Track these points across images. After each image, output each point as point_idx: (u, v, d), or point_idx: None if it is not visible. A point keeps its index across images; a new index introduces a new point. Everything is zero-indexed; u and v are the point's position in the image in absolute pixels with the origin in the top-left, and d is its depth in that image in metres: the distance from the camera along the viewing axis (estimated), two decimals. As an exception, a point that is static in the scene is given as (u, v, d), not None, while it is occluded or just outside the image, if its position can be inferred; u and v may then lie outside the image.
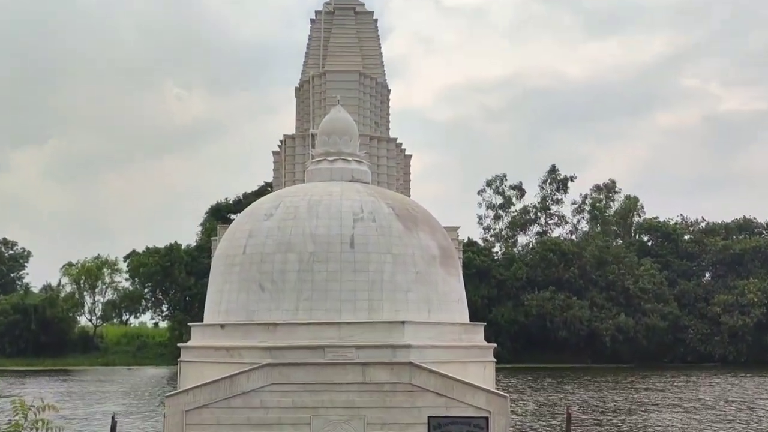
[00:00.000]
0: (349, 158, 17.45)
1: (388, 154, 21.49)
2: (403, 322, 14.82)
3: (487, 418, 14.17)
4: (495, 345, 16.40)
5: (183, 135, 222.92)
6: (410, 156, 22.66)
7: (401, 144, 22.19)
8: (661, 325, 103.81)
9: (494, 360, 15.85)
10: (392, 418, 14.11)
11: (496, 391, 14.49)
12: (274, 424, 13.98)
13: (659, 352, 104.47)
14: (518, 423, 46.86)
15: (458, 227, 21.21)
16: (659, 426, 45.55)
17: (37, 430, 12.79)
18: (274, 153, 22.88)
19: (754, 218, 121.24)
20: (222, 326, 15.45)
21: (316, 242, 15.39)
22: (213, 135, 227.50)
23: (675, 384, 73.94)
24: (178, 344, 16.79)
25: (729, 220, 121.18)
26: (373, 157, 20.77)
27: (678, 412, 52.75)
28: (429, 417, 14.08)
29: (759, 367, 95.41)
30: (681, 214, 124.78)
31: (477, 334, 16.20)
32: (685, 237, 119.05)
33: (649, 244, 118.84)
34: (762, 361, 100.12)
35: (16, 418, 13.39)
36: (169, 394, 14.13)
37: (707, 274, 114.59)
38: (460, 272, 17.15)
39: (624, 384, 74.24)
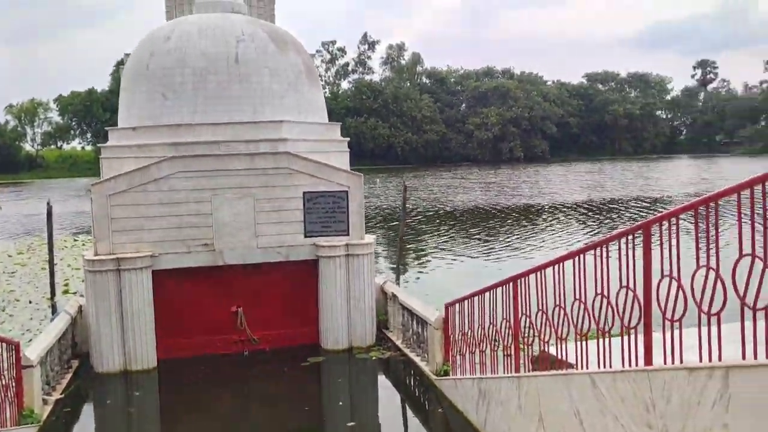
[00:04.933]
0: (230, -6, 14.42)
1: (258, -4, 18.59)
2: (281, 122, 12.63)
3: (347, 192, 12.50)
4: (348, 139, 14.51)
5: (92, 9, 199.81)
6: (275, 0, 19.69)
7: (267, -9, 19.20)
8: (434, 139, 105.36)
9: (348, 150, 14.03)
10: (275, 194, 12.20)
11: (352, 171, 12.78)
12: (182, 202, 11.75)
13: (433, 157, 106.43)
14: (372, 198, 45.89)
15: (314, 53, 18.74)
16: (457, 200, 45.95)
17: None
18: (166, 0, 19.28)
19: (494, 67, 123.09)
20: (134, 129, 12.72)
21: (207, 59, 12.67)
22: (113, 4, 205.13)
23: (457, 176, 75.44)
24: (98, 145, 13.90)
25: (478, 68, 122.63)
26: (246, -1, 17.69)
27: (462, 191, 53.49)
28: (303, 192, 12.25)
29: (496, 164, 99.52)
30: (448, 65, 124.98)
31: (335, 132, 14.24)
32: (451, 80, 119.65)
33: (429, 84, 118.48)
34: (498, 161, 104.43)
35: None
36: (95, 182, 11.56)
37: (464, 105, 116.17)
38: (320, 86, 14.93)
39: (419, 177, 75.15)
